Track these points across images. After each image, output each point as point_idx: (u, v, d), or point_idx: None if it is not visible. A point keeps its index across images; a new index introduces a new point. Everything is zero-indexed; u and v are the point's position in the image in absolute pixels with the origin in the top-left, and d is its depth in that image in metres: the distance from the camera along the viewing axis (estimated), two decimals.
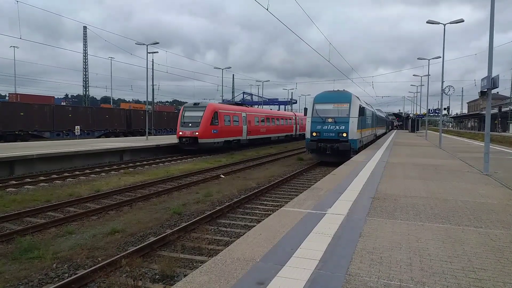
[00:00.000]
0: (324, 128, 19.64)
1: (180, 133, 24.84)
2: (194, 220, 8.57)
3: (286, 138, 41.87)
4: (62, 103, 70.05)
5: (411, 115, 71.94)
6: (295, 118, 45.28)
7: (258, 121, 33.42)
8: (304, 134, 44.79)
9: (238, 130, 29.05)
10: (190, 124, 24.75)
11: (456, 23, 24.12)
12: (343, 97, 20.29)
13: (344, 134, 19.18)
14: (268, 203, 11.01)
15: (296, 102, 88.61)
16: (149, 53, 36.47)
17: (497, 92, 73.90)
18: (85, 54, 60.37)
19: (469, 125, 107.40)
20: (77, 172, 16.08)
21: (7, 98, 56.80)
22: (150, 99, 38.50)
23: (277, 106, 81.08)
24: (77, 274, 5.73)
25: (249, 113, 31.70)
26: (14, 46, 61.67)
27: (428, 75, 36.88)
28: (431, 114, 47.01)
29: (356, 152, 19.55)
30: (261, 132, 34.21)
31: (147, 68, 31.23)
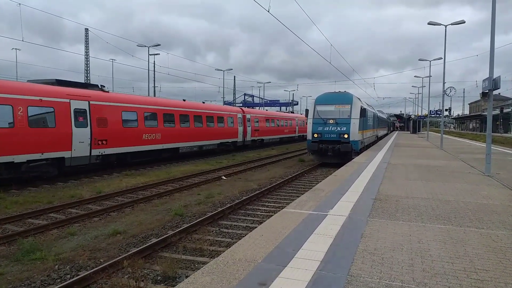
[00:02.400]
0: (325, 129, 19.66)
1: None
2: (196, 221, 8.58)
3: (223, 147, 27.05)
4: None
5: (412, 116, 71.84)
6: (242, 116, 30.41)
7: (135, 119, 18.04)
8: (263, 140, 34.72)
9: (49, 140, 13.51)
10: None
11: (457, 24, 24.14)
12: (344, 98, 20.31)
13: (346, 136, 19.20)
14: (269, 204, 11.01)
15: (297, 104, 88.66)
16: (150, 55, 36.60)
17: (499, 93, 73.84)
18: (87, 56, 60.52)
19: (470, 126, 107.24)
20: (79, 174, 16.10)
21: None
22: None
23: (279, 107, 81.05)
24: (79, 275, 5.74)
25: (98, 102, 15.93)
26: (16, 48, 61.88)
27: (430, 76, 36.92)
28: (433, 115, 47.03)
29: (358, 153, 19.54)
30: (148, 140, 18.66)
31: (148, 69, 31.32)
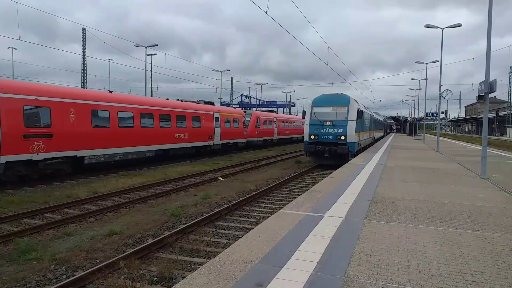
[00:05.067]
0: (322, 131, 19.70)
1: None
2: (192, 222, 8.57)
3: None
4: None
5: (409, 119, 72.17)
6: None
7: None
8: (82, 158, 14.15)
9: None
10: None
11: (454, 27, 24.26)
12: (341, 100, 20.37)
13: (342, 137, 19.24)
14: (266, 205, 11.01)
15: (294, 105, 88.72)
16: (148, 55, 36.53)
17: (495, 96, 74.35)
18: (84, 55, 60.32)
19: (466, 129, 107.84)
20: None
21: None
22: None
23: (275, 109, 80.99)
24: (75, 275, 5.72)
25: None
26: (12, 47, 61.54)
27: (426, 79, 37.05)
28: (429, 118, 47.27)
29: (354, 155, 19.61)
30: None
31: (145, 70, 31.21)
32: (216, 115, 26.48)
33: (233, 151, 29.58)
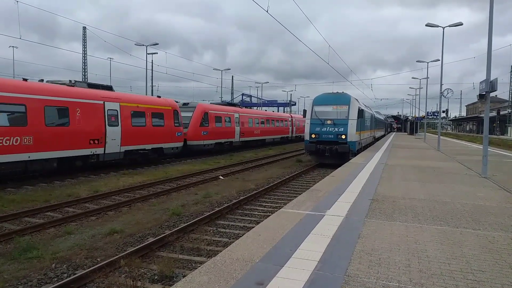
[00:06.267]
0: (323, 130, 19.69)
1: None
2: (193, 221, 8.58)
3: None
4: None
5: (409, 118, 72.09)
6: None
7: None
8: None
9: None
10: None
11: (455, 26, 24.20)
12: (342, 99, 20.36)
13: (343, 136, 19.23)
14: (267, 204, 11.02)
15: (295, 104, 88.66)
16: (148, 54, 36.50)
17: (496, 95, 74.14)
18: (85, 54, 60.30)
19: (467, 128, 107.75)
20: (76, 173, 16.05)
21: None
22: None
23: (276, 108, 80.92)
24: (76, 274, 5.73)
25: None
26: (13, 46, 61.53)
27: (427, 78, 36.95)
28: (430, 117, 47.11)
29: (355, 154, 19.59)
30: None
31: (146, 69, 31.17)
32: (112, 105, 16.64)
33: (164, 161, 21.05)
